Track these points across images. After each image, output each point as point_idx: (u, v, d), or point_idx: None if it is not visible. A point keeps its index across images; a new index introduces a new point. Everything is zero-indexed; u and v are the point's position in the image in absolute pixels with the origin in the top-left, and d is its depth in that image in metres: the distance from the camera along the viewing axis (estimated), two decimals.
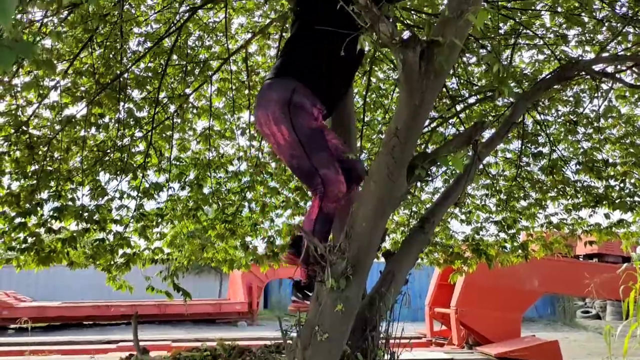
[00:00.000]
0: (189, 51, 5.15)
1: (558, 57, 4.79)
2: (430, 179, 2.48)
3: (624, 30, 4.52)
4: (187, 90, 5.38)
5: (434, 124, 5.41)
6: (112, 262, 5.45)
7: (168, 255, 5.85)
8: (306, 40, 2.71)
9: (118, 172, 5.23)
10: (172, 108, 5.32)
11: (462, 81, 5.45)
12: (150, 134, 5.04)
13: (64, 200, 4.84)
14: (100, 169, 5.19)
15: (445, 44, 1.98)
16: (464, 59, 5.40)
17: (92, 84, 4.86)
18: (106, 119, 5.15)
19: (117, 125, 5.17)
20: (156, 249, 5.64)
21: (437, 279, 10.92)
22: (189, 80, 5.26)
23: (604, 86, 5.28)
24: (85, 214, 5.04)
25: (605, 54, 4.51)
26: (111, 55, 4.66)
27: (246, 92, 5.47)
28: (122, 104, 4.98)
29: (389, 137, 2.21)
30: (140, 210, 5.25)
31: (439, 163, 2.45)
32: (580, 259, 11.74)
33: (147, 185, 5.15)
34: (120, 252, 5.38)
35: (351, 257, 2.32)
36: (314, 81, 2.61)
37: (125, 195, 5.22)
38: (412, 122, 2.15)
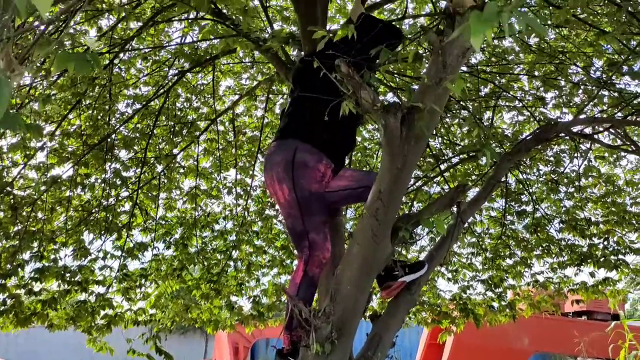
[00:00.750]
0: (177, 112, 5.23)
1: (537, 118, 4.94)
2: (416, 239, 2.49)
3: (599, 94, 4.69)
4: (175, 150, 5.44)
5: (419, 183, 5.48)
6: (93, 324, 5.33)
7: (151, 316, 5.74)
8: (306, 101, 2.79)
9: (102, 232, 5.20)
10: (159, 168, 5.35)
11: (445, 141, 5.56)
12: (136, 193, 5.04)
13: (46, 260, 4.77)
14: (84, 228, 5.15)
15: (425, 109, 2.05)
16: (447, 120, 5.53)
17: (79, 144, 4.89)
18: (92, 179, 5.16)
19: (102, 185, 5.17)
20: (139, 310, 5.54)
21: (426, 338, 10.76)
22: (176, 140, 5.31)
23: (584, 147, 5.42)
24: (67, 275, 4.97)
25: (582, 116, 4.65)
26: (99, 117, 4.73)
27: (233, 151, 5.53)
28: (108, 164, 5.01)
29: (372, 200, 2.24)
30: (124, 271, 5.19)
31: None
32: (570, 317, 11.66)
33: (131, 245, 5.11)
34: (102, 313, 5.28)
35: (336, 320, 2.30)
36: (317, 138, 2.66)
37: (108, 256, 5.17)
38: (395, 186, 2.19)
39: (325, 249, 2.58)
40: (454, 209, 2.45)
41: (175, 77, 4.50)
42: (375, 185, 2.24)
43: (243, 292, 5.86)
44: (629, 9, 3.47)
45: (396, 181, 2.17)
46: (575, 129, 4.74)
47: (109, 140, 4.78)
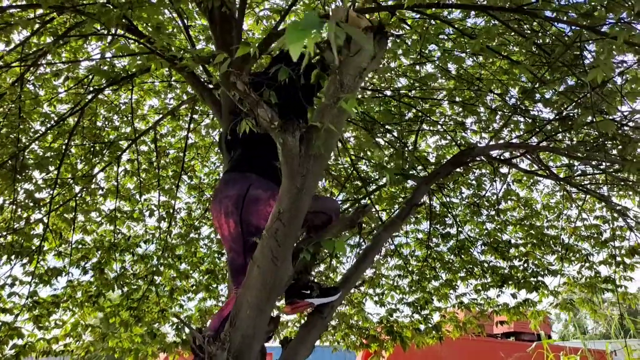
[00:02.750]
0: (96, 131, 5.03)
1: (458, 143, 5.06)
2: (319, 261, 2.44)
3: (515, 119, 4.86)
4: (96, 170, 5.23)
5: (347, 205, 5.49)
6: (1, 355, 4.98)
7: (66, 345, 5.42)
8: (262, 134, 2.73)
9: (12, 257, 4.90)
10: (77, 189, 5.12)
11: (372, 164, 5.61)
12: (48, 215, 4.78)
13: None
14: None
15: (322, 129, 2.03)
16: (373, 142, 5.59)
17: None
18: None
19: (12, 206, 4.89)
20: (52, 339, 5.22)
21: None
22: (94, 161, 5.11)
23: (504, 170, 5.59)
24: None
25: (500, 142, 4.80)
26: (9, 135, 4.48)
27: (156, 172, 5.37)
28: (19, 184, 4.74)
29: (272, 221, 2.18)
30: (34, 298, 4.89)
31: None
32: (498, 338, 11.93)
33: (43, 271, 4.83)
34: (11, 343, 4.94)
35: (235, 346, 2.21)
36: (273, 172, 2.57)
37: (17, 282, 4.87)
38: (294, 206, 2.14)
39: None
40: (355, 232, 2.42)
41: (90, 95, 4.33)
42: (275, 206, 2.19)
43: (166, 319, 5.64)
44: (536, 40, 3.62)
45: (296, 201, 2.13)
46: (494, 154, 4.91)
47: (21, 159, 4.53)
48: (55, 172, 4.84)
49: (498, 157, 4.84)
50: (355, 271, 3.19)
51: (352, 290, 6.33)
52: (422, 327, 6.16)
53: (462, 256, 5.91)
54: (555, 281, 6.08)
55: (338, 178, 5.61)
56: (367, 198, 5.57)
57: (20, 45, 4.11)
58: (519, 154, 4.75)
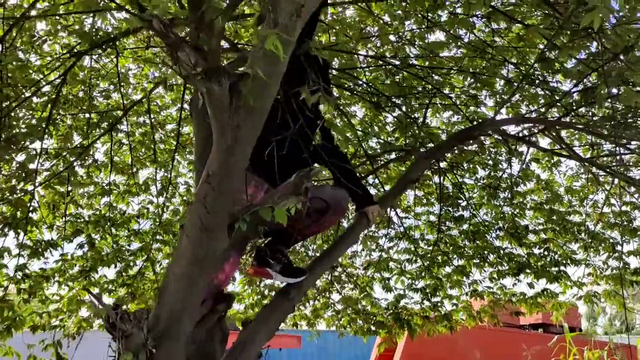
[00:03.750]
0: (89, 99, 4.84)
1: (470, 118, 4.65)
2: (261, 231, 2.15)
3: (533, 92, 4.42)
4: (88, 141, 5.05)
5: None
6: None
7: (62, 320, 5.32)
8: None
9: (5, 229, 4.79)
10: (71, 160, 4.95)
11: (380, 142, 5.25)
12: (36, 188, 4.63)
13: None
14: None
15: (251, 77, 1.73)
16: (381, 119, 5.23)
17: None
18: None
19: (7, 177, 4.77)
20: (44, 314, 5.12)
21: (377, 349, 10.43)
22: (89, 131, 4.93)
23: (524, 150, 5.15)
24: None
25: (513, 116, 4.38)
26: None
27: (151, 146, 5.15)
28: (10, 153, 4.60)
29: (200, 185, 1.91)
30: (24, 271, 4.77)
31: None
32: (526, 330, 11.43)
33: (29, 244, 4.69)
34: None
35: (161, 324, 1.95)
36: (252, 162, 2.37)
37: (8, 254, 4.75)
38: (225, 166, 1.87)
39: (220, 270, 2.42)
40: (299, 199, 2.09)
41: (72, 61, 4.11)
42: (205, 169, 1.91)
43: None
44: None
45: (226, 160, 1.85)
46: (510, 131, 4.49)
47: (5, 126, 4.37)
48: (45, 141, 4.68)
49: (516, 134, 4.42)
50: (328, 254, 2.88)
51: (359, 273, 6.05)
52: (432, 314, 5.81)
53: (477, 241, 5.52)
54: (580, 272, 5.62)
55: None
56: (372, 175, 5.23)
57: (2, 5, 3.92)
58: (536, 131, 4.32)
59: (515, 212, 5.37)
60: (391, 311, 5.78)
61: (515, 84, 4.12)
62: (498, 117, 4.48)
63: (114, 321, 1.88)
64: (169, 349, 1.93)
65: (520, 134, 4.48)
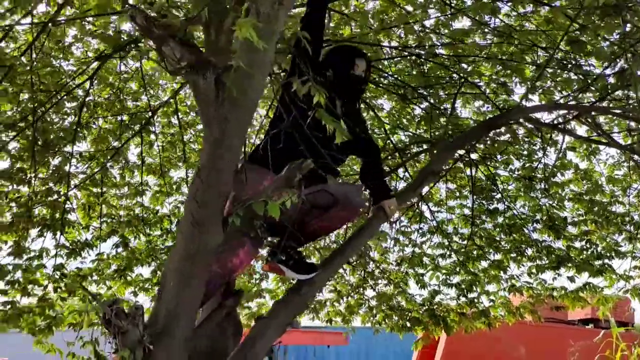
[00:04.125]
0: (119, 101, 4.94)
1: (500, 107, 4.49)
2: (260, 226, 2.10)
3: (567, 77, 4.23)
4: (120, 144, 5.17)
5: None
6: (36, 326, 5.08)
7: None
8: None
9: (43, 230, 4.95)
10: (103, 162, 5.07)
11: (409, 135, 5.15)
12: (71, 189, 4.77)
13: None
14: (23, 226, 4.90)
15: (234, 68, 1.70)
16: (410, 111, 5.12)
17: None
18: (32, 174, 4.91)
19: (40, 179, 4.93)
20: (84, 312, 5.26)
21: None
22: (120, 132, 5.03)
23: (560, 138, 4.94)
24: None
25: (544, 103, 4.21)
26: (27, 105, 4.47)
27: (181, 146, 5.22)
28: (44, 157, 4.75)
29: (193, 180, 1.91)
30: (62, 271, 4.92)
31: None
32: (576, 325, 11.02)
33: (67, 244, 4.83)
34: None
35: (160, 322, 1.95)
36: (258, 156, 2.44)
37: (47, 254, 4.91)
38: (214, 159, 1.86)
39: (234, 254, 2.37)
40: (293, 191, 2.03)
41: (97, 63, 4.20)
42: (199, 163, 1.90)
43: None
44: None
45: (214, 153, 1.84)
46: (546, 119, 4.31)
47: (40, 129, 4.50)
48: (80, 145, 4.82)
49: (550, 122, 4.24)
50: (341, 250, 2.83)
51: (393, 269, 5.95)
52: (467, 311, 5.67)
53: (513, 235, 5.34)
54: (626, 264, 5.34)
55: None
56: (404, 169, 5.12)
57: (30, 14, 4.04)
58: (570, 118, 4.13)
59: (553, 204, 5.16)
60: (426, 307, 5.67)
61: (545, 68, 3.94)
62: (529, 105, 4.31)
63: (109, 317, 1.89)
64: (168, 346, 1.93)
65: (555, 122, 4.30)
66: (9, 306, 4.75)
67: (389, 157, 5.05)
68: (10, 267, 4.78)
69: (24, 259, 4.86)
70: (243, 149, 2.08)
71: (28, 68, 4.20)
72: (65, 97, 4.43)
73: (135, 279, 5.41)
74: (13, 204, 4.84)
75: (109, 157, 4.95)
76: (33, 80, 4.26)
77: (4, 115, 4.56)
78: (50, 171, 4.91)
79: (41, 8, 4.38)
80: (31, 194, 4.98)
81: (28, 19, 3.97)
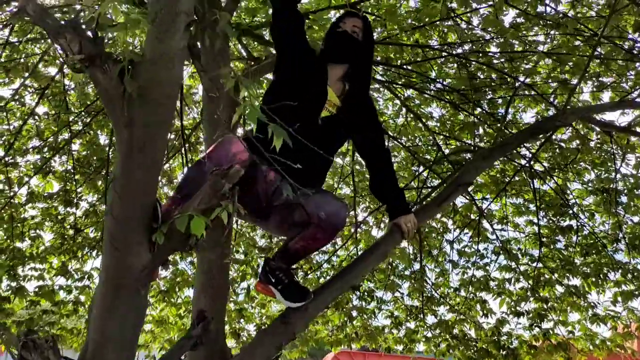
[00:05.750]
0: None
1: (560, 107, 3.90)
2: (194, 243, 1.77)
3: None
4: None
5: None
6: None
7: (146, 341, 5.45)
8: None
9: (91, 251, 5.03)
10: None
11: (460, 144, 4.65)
12: None
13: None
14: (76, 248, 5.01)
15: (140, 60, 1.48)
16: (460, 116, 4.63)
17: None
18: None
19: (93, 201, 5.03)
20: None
21: None
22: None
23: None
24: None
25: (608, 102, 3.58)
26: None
27: None
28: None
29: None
30: None
31: None
32: None
33: None
34: None
35: (89, 355, 1.72)
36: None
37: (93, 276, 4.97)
38: (128, 168, 1.61)
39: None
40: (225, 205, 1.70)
41: None
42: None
43: (244, 318, 5.38)
44: None
45: (128, 160, 1.60)
46: (621, 122, 3.69)
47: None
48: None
49: (623, 125, 3.61)
50: (343, 274, 2.45)
51: (453, 293, 5.38)
52: (543, 343, 4.98)
53: (593, 256, 4.64)
54: None
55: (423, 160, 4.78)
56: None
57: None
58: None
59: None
60: (495, 338, 5.06)
61: (605, 59, 3.35)
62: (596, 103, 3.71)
63: (19, 352, 1.70)
64: None
65: (633, 123, 3.67)
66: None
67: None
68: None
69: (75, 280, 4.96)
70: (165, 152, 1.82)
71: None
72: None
73: (185, 300, 5.35)
74: (62, 225, 4.97)
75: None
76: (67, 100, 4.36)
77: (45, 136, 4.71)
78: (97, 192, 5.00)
79: None
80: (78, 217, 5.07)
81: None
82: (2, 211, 4.54)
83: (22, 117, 4.57)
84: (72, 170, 4.76)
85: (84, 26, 1.53)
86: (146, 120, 1.58)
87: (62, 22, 1.53)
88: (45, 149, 4.78)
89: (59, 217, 4.94)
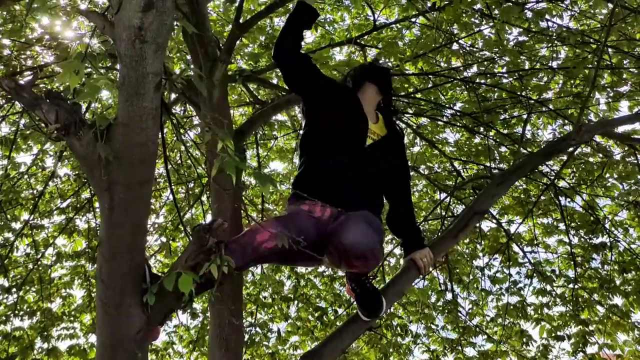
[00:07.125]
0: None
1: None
2: (188, 304, 1.70)
3: None
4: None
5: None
6: None
7: None
8: None
9: None
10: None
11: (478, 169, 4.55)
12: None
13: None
14: None
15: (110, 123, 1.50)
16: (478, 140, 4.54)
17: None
18: None
19: None
20: None
21: None
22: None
23: None
24: None
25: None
26: None
27: None
28: None
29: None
30: None
31: None
32: None
33: None
34: None
35: None
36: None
37: None
38: (111, 232, 1.61)
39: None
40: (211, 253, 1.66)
41: None
42: None
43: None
44: None
45: (111, 226, 1.60)
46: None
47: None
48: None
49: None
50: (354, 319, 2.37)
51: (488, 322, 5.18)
52: None
53: (632, 272, 4.41)
54: None
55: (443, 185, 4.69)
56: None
57: None
58: None
59: None
60: None
61: (617, 69, 3.24)
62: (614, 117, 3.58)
63: None
64: None
65: None
66: None
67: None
68: None
69: None
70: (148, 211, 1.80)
71: None
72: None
73: None
74: (90, 283, 5.03)
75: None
76: None
77: None
78: None
79: None
80: None
81: None
82: (31, 274, 4.63)
83: (44, 180, 4.70)
84: (96, 227, 4.84)
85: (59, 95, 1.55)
86: (126, 181, 1.57)
87: (38, 94, 1.55)
88: (69, 208, 4.89)
89: (87, 274, 5.01)
